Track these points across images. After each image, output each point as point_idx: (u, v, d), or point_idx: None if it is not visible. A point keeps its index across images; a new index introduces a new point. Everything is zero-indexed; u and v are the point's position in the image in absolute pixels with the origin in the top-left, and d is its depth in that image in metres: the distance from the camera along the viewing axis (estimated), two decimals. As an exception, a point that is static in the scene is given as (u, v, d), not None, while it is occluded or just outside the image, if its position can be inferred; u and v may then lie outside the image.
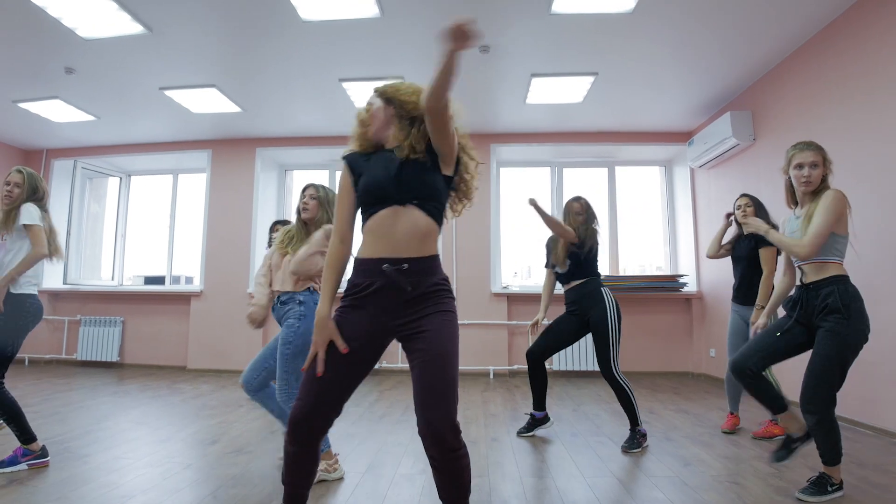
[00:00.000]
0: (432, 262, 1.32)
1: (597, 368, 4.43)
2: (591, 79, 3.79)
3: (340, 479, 2.01)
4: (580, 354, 4.67)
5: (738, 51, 3.44)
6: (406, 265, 1.27)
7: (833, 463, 1.78)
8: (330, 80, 3.82)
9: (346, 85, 3.89)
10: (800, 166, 1.87)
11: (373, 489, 1.92)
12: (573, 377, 4.67)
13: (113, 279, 5.63)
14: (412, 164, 1.30)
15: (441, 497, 1.27)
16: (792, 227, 1.96)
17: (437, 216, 1.33)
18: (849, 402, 2.73)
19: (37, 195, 2.30)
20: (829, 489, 1.77)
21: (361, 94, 4.03)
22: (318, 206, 2.15)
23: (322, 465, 1.95)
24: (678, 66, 3.66)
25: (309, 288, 2.13)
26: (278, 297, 2.13)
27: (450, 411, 1.20)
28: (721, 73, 3.77)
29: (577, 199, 2.76)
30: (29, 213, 2.21)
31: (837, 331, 1.76)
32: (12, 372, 4.48)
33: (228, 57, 3.52)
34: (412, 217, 1.28)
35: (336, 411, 1.27)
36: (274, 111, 4.48)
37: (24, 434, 2.13)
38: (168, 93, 4.01)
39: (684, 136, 4.88)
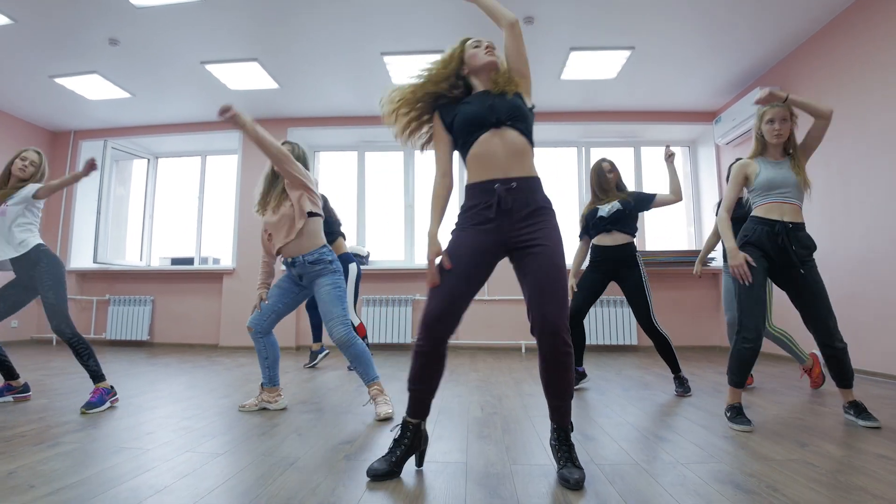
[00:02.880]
0: (537, 182, 1.45)
1: (628, 342, 4.63)
2: (627, 53, 3.86)
3: (284, 408, 2.30)
4: (611, 329, 4.75)
5: (768, 27, 3.53)
6: (514, 184, 1.39)
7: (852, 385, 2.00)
8: (372, 53, 3.87)
9: (387, 59, 3.94)
10: (771, 121, 2.04)
11: (453, 424, 1.97)
12: (605, 351, 4.74)
13: (140, 261, 5.65)
14: (502, 96, 1.45)
15: (549, 394, 1.39)
16: (777, 169, 2.04)
17: (529, 136, 1.46)
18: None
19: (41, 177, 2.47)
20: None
21: (402, 69, 4.08)
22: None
23: (265, 396, 2.27)
24: (710, 42, 3.74)
25: (325, 246, 2.28)
26: (302, 255, 2.22)
27: (564, 308, 1.34)
28: (751, 50, 3.86)
29: (604, 159, 2.85)
30: (32, 187, 2.39)
31: (816, 267, 2.00)
32: (44, 350, 4.52)
33: (274, 28, 3.56)
34: (509, 136, 1.41)
35: (458, 316, 1.39)
36: (309, 87, 4.52)
37: (99, 371, 2.30)
38: (209, 67, 4.05)
39: (709, 116, 4.97)
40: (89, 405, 2.17)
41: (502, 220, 1.39)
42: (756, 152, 2.13)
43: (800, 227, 2.00)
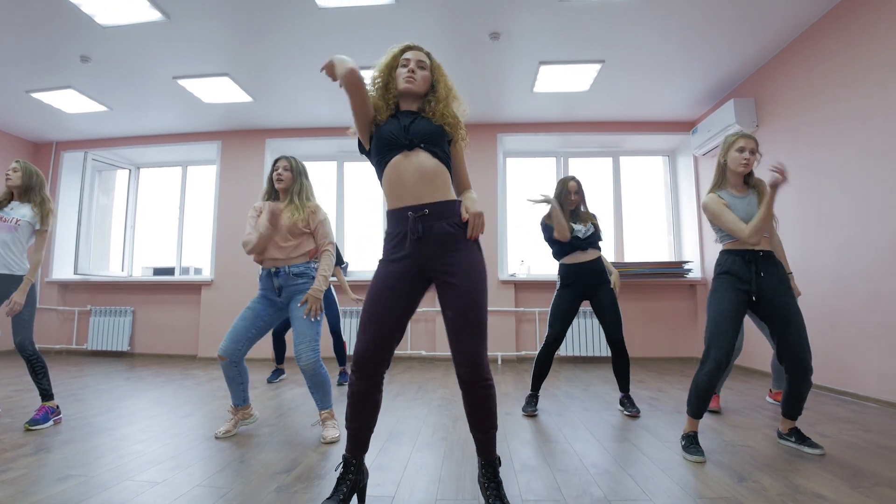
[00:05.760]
0: (452, 206, 1.41)
1: (602, 354, 4.62)
2: (597, 66, 3.85)
3: (255, 419, 2.36)
4: (587, 340, 4.74)
5: (741, 39, 3.51)
6: (427, 210, 1.37)
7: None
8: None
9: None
10: (741, 150, 2.00)
11: (396, 453, 1.98)
12: (580, 362, 4.74)
13: (122, 271, 5.67)
14: (425, 120, 1.44)
15: (472, 427, 1.39)
16: (741, 204, 2.00)
17: (443, 159, 1.44)
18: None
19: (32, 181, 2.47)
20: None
21: (372, 82, 4.08)
22: (291, 177, 2.29)
23: (241, 416, 2.25)
24: (683, 53, 3.73)
25: (313, 261, 2.26)
26: (287, 267, 2.18)
27: (482, 342, 1.33)
28: (725, 61, 3.84)
29: (572, 177, 2.79)
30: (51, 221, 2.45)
31: (792, 293, 1.98)
32: (22, 362, 4.52)
33: (243, 45, 3.57)
34: (419, 159, 1.39)
35: (388, 351, 1.38)
36: (284, 101, 4.53)
37: (49, 390, 2.34)
38: (181, 82, 4.06)
39: (687, 126, 4.95)
40: (34, 422, 2.24)
41: (417, 249, 1.38)
42: (716, 184, 2.08)
43: (769, 254, 1.98)
